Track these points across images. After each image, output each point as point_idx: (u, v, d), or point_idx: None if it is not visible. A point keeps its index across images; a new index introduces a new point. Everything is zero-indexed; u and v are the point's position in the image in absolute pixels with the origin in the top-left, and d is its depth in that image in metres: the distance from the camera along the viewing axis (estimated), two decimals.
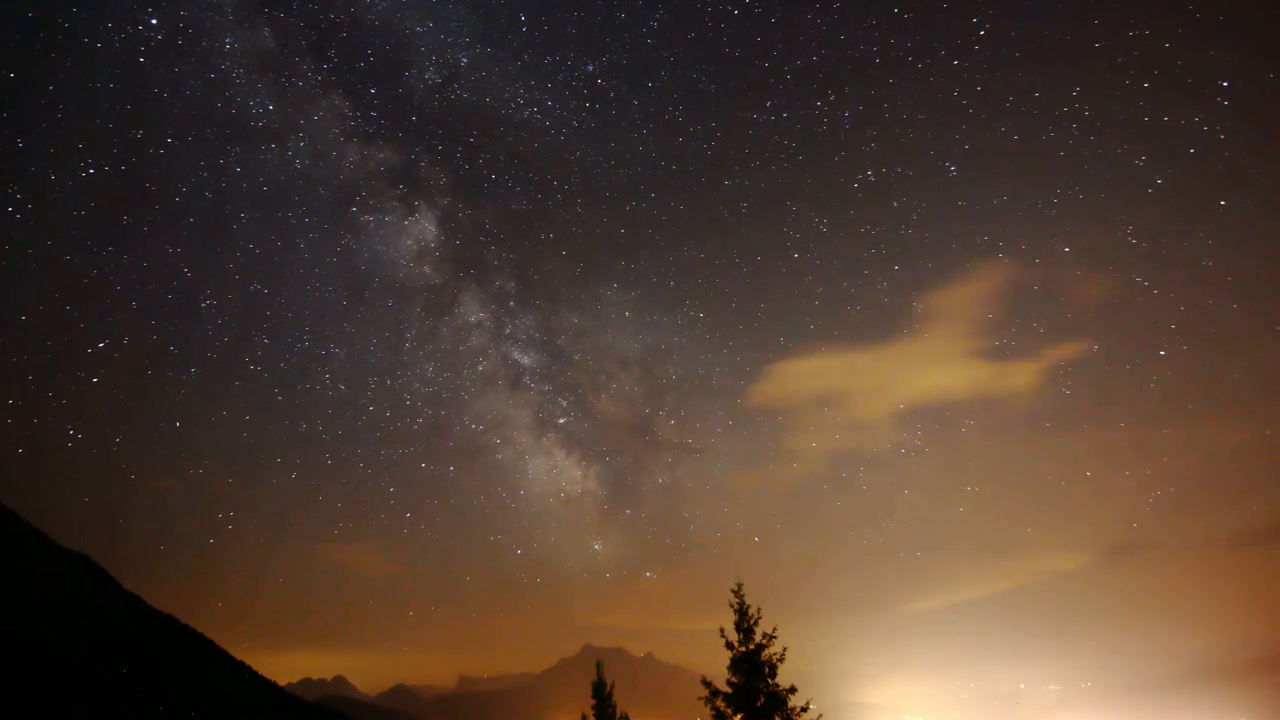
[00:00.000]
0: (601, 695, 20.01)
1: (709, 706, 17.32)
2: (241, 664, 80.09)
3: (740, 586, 17.87)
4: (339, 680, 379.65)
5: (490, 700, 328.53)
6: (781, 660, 17.44)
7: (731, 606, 17.77)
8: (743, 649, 17.44)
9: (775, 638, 17.51)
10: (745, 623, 17.62)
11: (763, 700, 17.11)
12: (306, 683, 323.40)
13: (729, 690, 17.38)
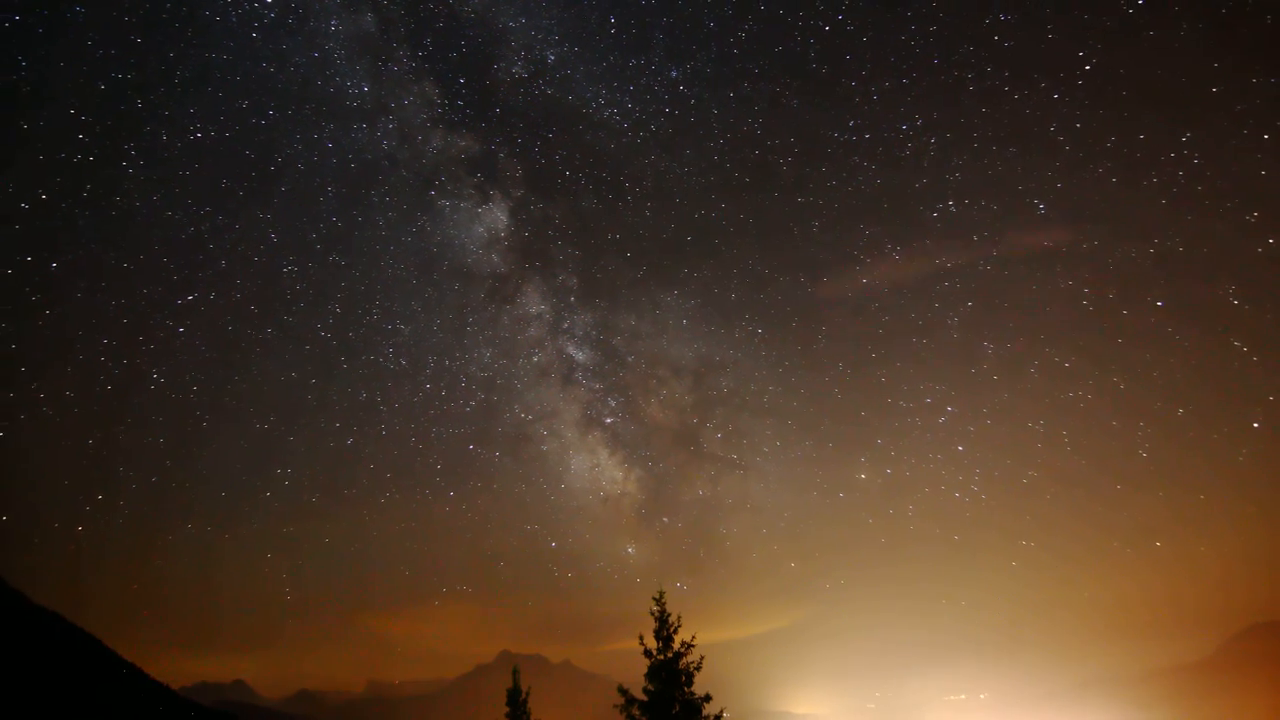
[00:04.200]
0: (516, 702, 19.70)
1: (624, 715, 17.26)
2: (131, 665, 74.92)
3: (662, 594, 17.92)
4: (238, 685, 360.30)
5: (401, 707, 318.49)
6: (698, 668, 17.55)
7: (652, 614, 17.78)
8: (661, 657, 17.46)
9: (694, 646, 17.63)
10: (665, 630, 17.65)
11: (678, 708, 17.18)
12: (203, 687, 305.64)
13: (645, 698, 17.38)
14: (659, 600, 17.75)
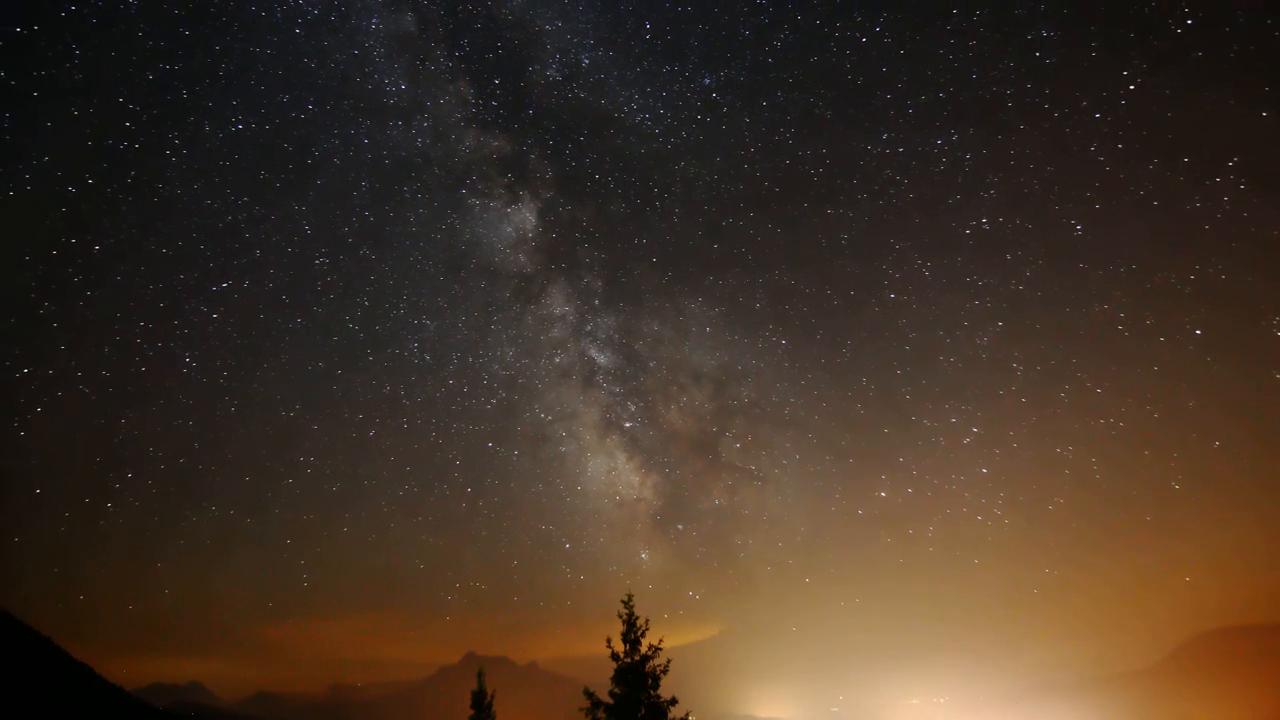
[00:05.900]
0: (481, 705, 19.53)
1: (590, 717, 17.21)
2: (84, 666, 72.77)
3: (630, 598, 17.91)
4: (194, 686, 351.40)
5: (364, 709, 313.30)
6: (665, 672, 17.58)
7: (620, 617, 17.76)
8: (628, 660, 17.44)
9: (661, 649, 17.65)
10: (632, 633, 17.63)
11: (643, 711, 17.17)
12: (158, 688, 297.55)
13: (610, 701, 17.35)
14: (627, 603, 17.75)
